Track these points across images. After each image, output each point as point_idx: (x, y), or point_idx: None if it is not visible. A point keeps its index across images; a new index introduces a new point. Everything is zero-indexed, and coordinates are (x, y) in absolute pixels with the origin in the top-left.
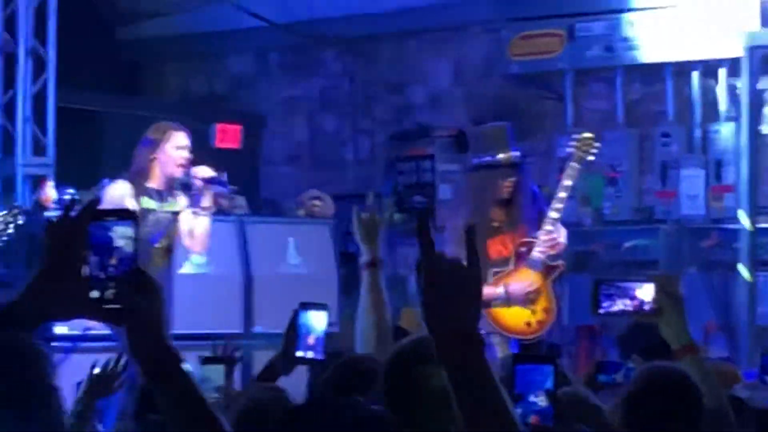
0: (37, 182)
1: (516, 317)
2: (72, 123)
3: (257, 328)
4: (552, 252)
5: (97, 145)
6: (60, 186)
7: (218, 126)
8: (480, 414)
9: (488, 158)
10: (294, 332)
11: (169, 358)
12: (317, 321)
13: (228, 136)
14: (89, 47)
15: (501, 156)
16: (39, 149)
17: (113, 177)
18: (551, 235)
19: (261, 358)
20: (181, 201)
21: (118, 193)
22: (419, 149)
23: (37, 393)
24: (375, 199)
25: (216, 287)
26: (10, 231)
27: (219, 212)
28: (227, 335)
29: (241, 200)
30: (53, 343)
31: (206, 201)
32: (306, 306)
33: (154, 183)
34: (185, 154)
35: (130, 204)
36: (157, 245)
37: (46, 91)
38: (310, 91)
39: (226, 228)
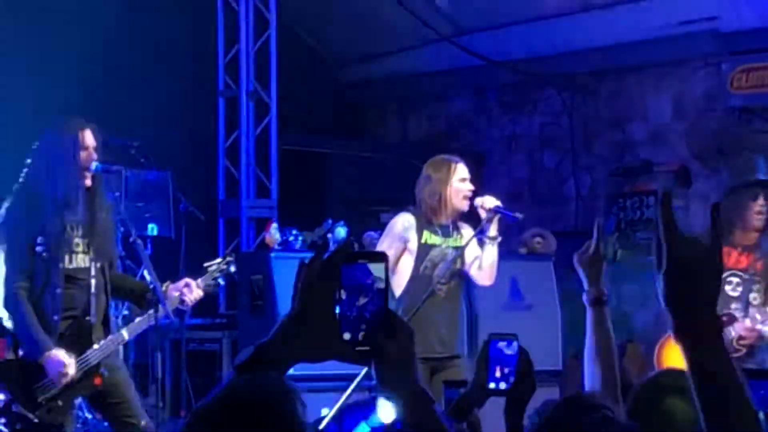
0: (260, 224)
1: None
2: (294, 164)
3: None
4: None
5: (320, 186)
6: (284, 227)
7: None
8: (720, 402)
9: (736, 183)
10: (485, 364)
11: (420, 399)
12: (509, 352)
13: None
14: (311, 90)
15: (749, 179)
16: (262, 191)
17: (336, 217)
18: None
19: None
20: (467, 234)
21: (402, 225)
22: (642, 185)
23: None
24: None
25: None
26: (221, 281)
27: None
28: None
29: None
30: None
31: (493, 230)
32: (496, 337)
33: (441, 218)
34: (469, 185)
35: (413, 237)
36: (443, 280)
37: (268, 134)
38: (529, 128)
39: None
